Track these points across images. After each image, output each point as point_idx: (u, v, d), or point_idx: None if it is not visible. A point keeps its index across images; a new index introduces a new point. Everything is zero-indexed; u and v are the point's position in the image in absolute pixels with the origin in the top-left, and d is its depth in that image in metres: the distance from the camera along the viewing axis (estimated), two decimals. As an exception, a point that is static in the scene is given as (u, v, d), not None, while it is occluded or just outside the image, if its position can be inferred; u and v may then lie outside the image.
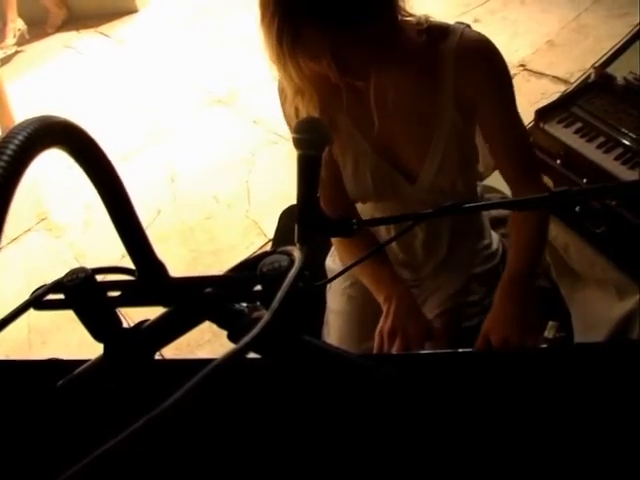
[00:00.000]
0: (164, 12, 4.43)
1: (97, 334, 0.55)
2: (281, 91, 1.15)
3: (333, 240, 1.37)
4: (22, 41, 4.32)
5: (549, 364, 0.75)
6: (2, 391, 0.81)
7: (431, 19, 1.09)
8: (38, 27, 4.41)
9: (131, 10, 4.47)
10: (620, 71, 1.67)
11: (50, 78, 3.97)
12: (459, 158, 1.16)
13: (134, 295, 0.55)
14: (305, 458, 0.69)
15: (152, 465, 0.65)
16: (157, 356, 0.58)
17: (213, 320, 0.54)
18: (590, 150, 1.55)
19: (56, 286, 0.54)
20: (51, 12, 4.46)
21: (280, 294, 0.43)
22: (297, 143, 0.84)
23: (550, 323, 1.15)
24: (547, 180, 1.60)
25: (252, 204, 2.75)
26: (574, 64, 2.92)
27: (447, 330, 1.24)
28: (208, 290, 0.54)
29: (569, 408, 0.67)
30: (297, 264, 0.47)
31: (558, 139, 1.60)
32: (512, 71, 2.82)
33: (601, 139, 1.56)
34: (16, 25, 4.25)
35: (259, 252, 2.19)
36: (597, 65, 1.82)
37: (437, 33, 1.08)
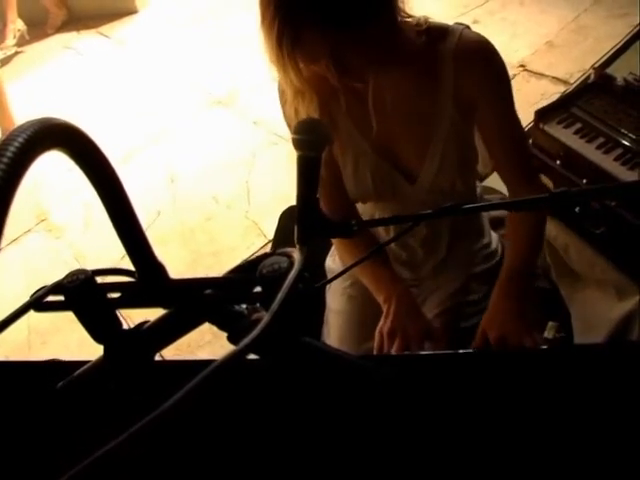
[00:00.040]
0: (164, 13, 4.43)
1: (97, 335, 0.55)
2: (281, 92, 1.16)
3: (333, 240, 1.38)
4: (22, 42, 4.32)
5: (549, 365, 0.75)
6: (2, 392, 0.81)
7: (430, 20, 1.09)
8: (38, 28, 4.41)
9: (131, 11, 4.47)
10: (620, 72, 1.67)
11: (50, 79, 3.97)
12: (458, 158, 1.16)
13: (134, 296, 0.55)
14: (305, 459, 0.69)
15: (153, 466, 0.65)
16: (157, 357, 0.58)
17: (213, 321, 0.54)
18: (590, 151, 1.55)
19: (56, 288, 0.54)
20: (51, 13, 4.46)
21: (280, 296, 0.43)
22: (297, 144, 0.84)
23: (550, 323, 1.16)
24: (547, 181, 1.60)
25: (252, 205, 2.74)
26: (574, 65, 2.92)
27: (447, 330, 1.24)
28: (208, 291, 0.54)
29: (569, 409, 0.67)
30: (297, 266, 0.47)
31: (558, 140, 1.60)
32: (512, 72, 2.83)
33: (601, 140, 1.56)
34: (16, 26, 4.25)
35: (259, 253, 2.20)
36: (597, 66, 1.82)
37: (436, 34, 1.09)
